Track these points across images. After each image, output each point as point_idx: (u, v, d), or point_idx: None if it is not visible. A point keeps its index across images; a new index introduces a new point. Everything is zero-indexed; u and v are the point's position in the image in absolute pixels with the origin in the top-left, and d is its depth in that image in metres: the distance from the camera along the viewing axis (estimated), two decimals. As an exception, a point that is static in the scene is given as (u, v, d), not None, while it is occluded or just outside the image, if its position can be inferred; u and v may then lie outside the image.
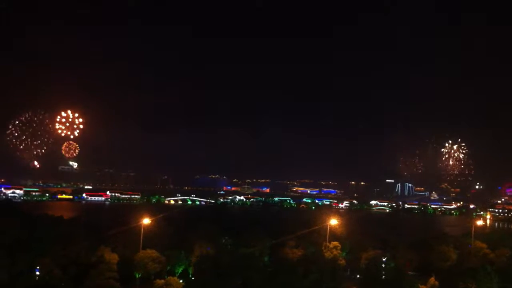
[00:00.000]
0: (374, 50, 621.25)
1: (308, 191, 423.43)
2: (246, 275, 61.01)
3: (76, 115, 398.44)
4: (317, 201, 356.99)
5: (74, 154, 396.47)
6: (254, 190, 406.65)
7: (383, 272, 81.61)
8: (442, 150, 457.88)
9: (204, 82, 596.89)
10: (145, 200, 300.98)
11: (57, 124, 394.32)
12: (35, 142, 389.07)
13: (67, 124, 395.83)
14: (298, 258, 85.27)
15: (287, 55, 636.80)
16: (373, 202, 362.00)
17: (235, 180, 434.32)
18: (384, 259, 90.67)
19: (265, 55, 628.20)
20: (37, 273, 68.04)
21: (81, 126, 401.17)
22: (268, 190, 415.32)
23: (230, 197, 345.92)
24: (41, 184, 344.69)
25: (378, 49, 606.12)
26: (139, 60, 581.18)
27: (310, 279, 68.02)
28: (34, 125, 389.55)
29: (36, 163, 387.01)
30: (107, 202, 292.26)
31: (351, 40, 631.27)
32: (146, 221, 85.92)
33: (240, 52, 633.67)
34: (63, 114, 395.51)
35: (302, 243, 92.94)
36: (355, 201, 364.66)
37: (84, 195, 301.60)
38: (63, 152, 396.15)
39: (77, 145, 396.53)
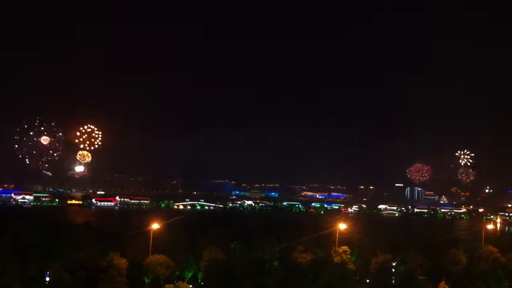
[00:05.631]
0: (386, 50, 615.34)
1: (317, 196, 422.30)
2: (257, 280, 60.89)
3: (93, 127, 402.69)
4: (326, 205, 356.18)
5: (86, 160, 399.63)
6: (263, 195, 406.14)
7: (393, 277, 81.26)
8: (454, 154, 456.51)
9: (207, 83, 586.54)
10: (154, 205, 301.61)
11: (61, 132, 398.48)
12: (44, 149, 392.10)
13: (78, 134, 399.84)
14: (308, 262, 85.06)
15: (294, 56, 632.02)
16: (382, 206, 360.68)
17: (243, 184, 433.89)
18: (394, 264, 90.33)
19: (271, 56, 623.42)
20: (47, 278, 68.41)
21: (95, 136, 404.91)
22: (276, 195, 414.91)
23: (239, 202, 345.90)
24: (51, 190, 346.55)
25: (390, 49, 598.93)
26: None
27: (320, 284, 67.85)
28: (45, 132, 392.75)
29: (47, 171, 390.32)
30: (116, 207, 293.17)
31: (365, 40, 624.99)
32: (156, 226, 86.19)
33: (249, 52, 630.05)
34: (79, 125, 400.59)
35: (311, 248, 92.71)
36: (364, 205, 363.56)
37: (94, 200, 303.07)
38: (77, 158, 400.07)
39: (88, 153, 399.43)
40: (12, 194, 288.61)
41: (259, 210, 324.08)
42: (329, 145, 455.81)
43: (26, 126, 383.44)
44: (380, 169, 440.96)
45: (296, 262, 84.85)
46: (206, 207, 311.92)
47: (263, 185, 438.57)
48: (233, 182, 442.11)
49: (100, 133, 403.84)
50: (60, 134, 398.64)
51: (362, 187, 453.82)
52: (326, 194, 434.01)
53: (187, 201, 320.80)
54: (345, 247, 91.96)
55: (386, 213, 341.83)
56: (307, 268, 78.69)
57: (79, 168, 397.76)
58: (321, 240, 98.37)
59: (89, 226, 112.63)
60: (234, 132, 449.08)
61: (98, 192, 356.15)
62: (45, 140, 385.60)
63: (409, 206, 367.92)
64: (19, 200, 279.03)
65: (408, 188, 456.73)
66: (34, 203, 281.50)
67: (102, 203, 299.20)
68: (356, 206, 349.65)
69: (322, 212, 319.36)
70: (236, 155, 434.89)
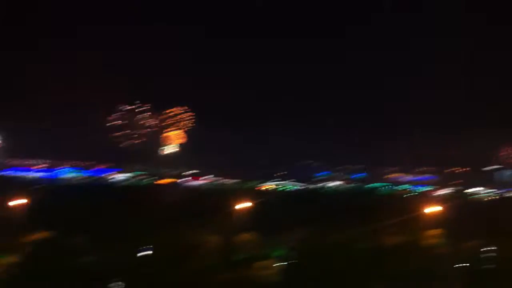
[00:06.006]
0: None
1: (405, 177, 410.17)
2: (347, 258, 61.27)
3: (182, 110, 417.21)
4: (414, 187, 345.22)
5: (178, 141, 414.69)
6: (349, 175, 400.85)
7: (487, 262, 78.08)
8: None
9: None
10: (242, 184, 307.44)
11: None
12: (139, 129, 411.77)
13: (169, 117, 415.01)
14: (397, 245, 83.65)
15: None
16: (474, 189, 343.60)
17: (329, 166, 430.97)
18: (488, 249, 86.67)
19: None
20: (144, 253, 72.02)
21: (186, 117, 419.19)
22: (363, 176, 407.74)
23: (325, 183, 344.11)
24: (147, 168, 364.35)
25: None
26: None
27: (411, 267, 66.78)
28: (138, 115, 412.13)
29: (142, 151, 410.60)
30: (205, 186, 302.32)
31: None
32: (243, 205, 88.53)
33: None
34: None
35: (400, 230, 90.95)
36: (455, 188, 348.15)
37: (184, 179, 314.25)
38: (170, 139, 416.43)
39: (179, 133, 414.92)
40: (111, 172, 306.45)
41: (345, 191, 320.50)
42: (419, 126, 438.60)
43: (124, 109, 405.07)
44: (471, 151, 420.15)
45: (385, 244, 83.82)
46: (293, 187, 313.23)
47: (349, 166, 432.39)
48: (318, 163, 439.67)
49: (190, 115, 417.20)
50: (155, 115, 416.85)
51: (452, 169, 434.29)
52: (415, 176, 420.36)
53: (274, 181, 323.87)
54: (436, 231, 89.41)
55: (479, 196, 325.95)
56: (397, 251, 77.54)
57: (172, 148, 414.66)
58: (410, 223, 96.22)
59: (180, 204, 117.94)
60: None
61: (191, 171, 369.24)
62: (142, 121, 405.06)
63: (502, 189, 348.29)
64: (117, 178, 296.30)
65: (501, 170, 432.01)
66: (132, 181, 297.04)
67: (196, 181, 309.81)
68: (447, 189, 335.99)
69: (410, 194, 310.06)
70: (321, 136, 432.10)
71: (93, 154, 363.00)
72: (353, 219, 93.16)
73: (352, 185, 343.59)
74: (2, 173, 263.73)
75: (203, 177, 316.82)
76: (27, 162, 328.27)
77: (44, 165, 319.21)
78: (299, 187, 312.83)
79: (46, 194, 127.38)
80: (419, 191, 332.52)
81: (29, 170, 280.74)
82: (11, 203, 75.09)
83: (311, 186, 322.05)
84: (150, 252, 70.75)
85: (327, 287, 54.25)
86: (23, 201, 75.70)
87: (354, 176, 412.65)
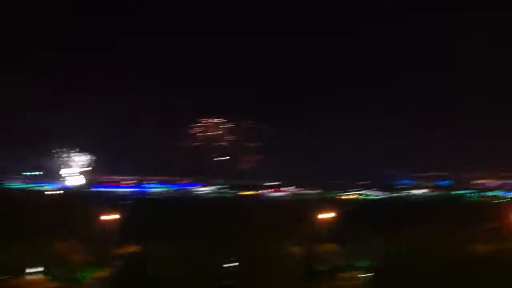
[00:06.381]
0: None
1: (494, 183, 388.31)
2: (436, 266, 59.20)
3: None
4: (505, 193, 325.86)
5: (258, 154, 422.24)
6: (434, 183, 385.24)
7: None
8: None
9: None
10: (322, 195, 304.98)
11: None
12: (220, 143, 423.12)
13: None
14: (488, 254, 79.87)
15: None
16: None
17: (412, 173, 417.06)
18: None
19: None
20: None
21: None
22: (449, 183, 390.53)
23: (408, 191, 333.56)
24: (227, 181, 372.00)
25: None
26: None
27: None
28: (218, 129, 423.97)
29: (222, 164, 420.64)
30: (286, 197, 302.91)
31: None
32: (326, 215, 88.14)
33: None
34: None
35: (491, 238, 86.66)
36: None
37: (265, 190, 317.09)
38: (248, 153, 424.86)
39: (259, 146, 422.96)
40: (194, 187, 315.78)
41: (430, 198, 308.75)
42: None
43: (203, 123, 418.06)
44: None
45: (476, 253, 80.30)
46: (373, 196, 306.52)
47: (433, 173, 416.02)
48: (399, 170, 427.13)
49: (270, 128, 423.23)
50: (236, 129, 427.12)
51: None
52: (505, 181, 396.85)
53: (354, 190, 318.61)
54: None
55: None
56: (488, 259, 73.93)
57: (252, 161, 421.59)
58: (502, 230, 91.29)
59: (262, 215, 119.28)
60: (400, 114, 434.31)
61: (269, 183, 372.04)
62: (220, 135, 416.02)
63: None
64: (200, 192, 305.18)
65: None
66: (215, 194, 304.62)
67: (273, 193, 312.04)
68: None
69: (500, 200, 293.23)
70: (401, 141, 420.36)
71: (177, 168, 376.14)
72: (440, 227, 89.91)
73: (438, 192, 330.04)
74: (94, 188, 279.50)
75: (284, 188, 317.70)
76: (116, 178, 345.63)
77: (132, 181, 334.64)
78: (382, 196, 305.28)
79: (136, 208, 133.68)
80: (510, 197, 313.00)
81: (118, 186, 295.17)
82: (103, 218, 79.39)
83: (395, 194, 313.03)
84: (235, 264, 72.14)
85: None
86: (115, 215, 79.79)
87: (439, 183, 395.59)
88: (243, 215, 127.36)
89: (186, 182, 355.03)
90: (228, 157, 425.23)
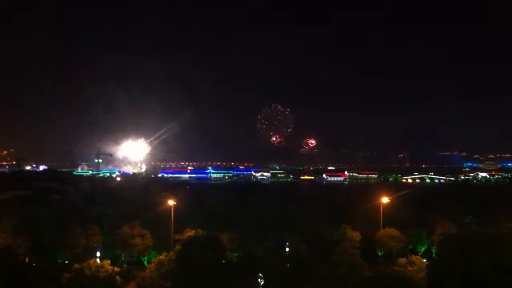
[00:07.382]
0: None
1: None
2: (493, 256, 57.19)
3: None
4: None
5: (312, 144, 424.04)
6: (499, 166, 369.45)
7: None
8: None
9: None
10: (382, 179, 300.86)
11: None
12: (278, 130, 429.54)
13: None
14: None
15: None
16: None
17: (476, 156, 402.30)
18: None
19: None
20: (287, 249, 74.35)
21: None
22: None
23: (472, 174, 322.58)
24: (286, 166, 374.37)
25: None
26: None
27: None
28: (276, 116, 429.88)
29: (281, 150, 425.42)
30: (345, 182, 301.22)
31: None
32: (385, 200, 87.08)
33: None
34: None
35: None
36: None
37: (324, 175, 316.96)
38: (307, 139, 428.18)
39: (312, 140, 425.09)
40: (252, 172, 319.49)
41: (495, 182, 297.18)
42: None
43: (265, 110, 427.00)
44: None
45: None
46: (436, 180, 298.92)
47: (497, 155, 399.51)
48: (463, 153, 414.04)
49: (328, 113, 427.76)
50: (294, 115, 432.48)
51: None
52: None
53: (415, 175, 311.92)
54: None
55: None
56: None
57: (312, 146, 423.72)
58: None
59: (321, 199, 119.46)
60: (464, 99, 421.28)
61: (328, 168, 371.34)
62: (282, 121, 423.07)
63: None
64: (258, 177, 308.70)
65: None
66: (272, 179, 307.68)
67: (332, 178, 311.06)
68: None
69: None
70: (465, 125, 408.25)
71: (236, 154, 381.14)
72: (502, 211, 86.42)
73: (504, 175, 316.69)
74: (158, 175, 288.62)
75: (343, 173, 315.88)
76: (177, 165, 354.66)
77: (192, 167, 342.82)
78: (445, 179, 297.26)
79: (196, 193, 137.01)
80: None
81: (180, 172, 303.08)
82: (166, 203, 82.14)
83: (459, 178, 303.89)
84: (292, 248, 72.76)
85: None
86: (176, 200, 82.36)
87: (506, 165, 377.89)
88: (302, 199, 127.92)
89: (245, 167, 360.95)
90: (287, 142, 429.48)
